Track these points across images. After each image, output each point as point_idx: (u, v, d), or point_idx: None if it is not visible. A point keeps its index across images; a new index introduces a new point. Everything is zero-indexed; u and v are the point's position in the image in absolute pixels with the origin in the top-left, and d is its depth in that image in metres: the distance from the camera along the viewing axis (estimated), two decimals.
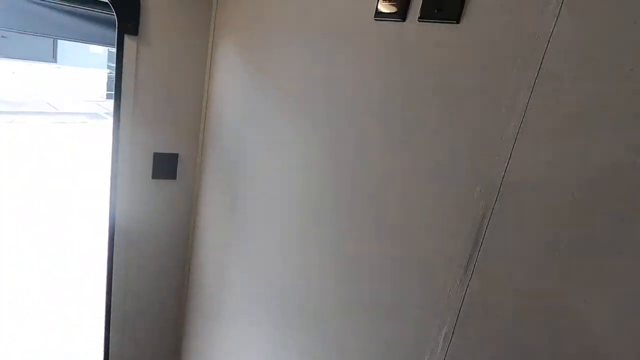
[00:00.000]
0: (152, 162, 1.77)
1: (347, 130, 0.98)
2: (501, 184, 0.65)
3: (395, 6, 0.83)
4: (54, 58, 13.83)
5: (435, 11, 0.75)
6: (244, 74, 1.49)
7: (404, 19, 0.82)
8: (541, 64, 0.60)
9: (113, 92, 1.71)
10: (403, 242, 0.83)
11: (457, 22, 0.72)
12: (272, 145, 1.31)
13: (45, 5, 2.25)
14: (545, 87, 0.60)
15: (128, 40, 1.58)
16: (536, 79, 0.61)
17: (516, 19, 0.64)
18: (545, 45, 0.60)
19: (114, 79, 1.64)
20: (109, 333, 1.93)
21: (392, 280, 0.85)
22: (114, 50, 1.65)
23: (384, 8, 0.87)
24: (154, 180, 1.81)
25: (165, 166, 1.81)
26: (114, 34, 1.63)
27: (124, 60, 1.60)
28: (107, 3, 1.59)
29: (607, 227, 0.53)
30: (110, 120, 1.77)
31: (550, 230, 0.59)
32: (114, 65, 1.66)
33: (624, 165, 0.52)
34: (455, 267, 0.72)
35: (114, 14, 1.55)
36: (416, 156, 0.80)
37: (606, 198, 0.53)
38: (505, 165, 0.65)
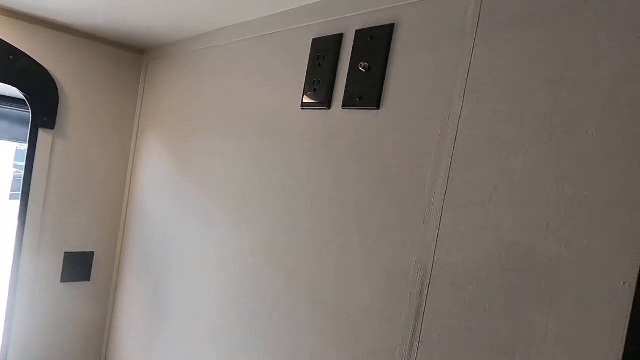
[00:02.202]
0: (62, 263, 1.59)
1: (279, 216, 0.97)
2: (434, 258, 0.67)
3: (319, 97, 0.90)
4: None
5: (357, 99, 0.82)
6: (170, 167, 1.46)
7: (329, 107, 0.89)
8: (455, 142, 0.67)
9: (18, 192, 1.56)
10: (347, 331, 0.80)
11: (378, 109, 0.79)
12: (199, 238, 1.25)
13: None
14: (461, 164, 0.66)
15: (43, 134, 1.50)
16: (452, 156, 0.67)
17: (429, 103, 0.71)
18: (457, 125, 0.67)
19: (23, 176, 1.52)
20: None
21: None
22: (22, 148, 1.54)
23: (308, 99, 0.93)
24: (63, 283, 1.61)
25: (77, 267, 1.63)
26: (21, 129, 1.54)
27: (37, 155, 1.49)
28: (20, 99, 1.53)
29: (525, 295, 0.56)
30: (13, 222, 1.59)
31: (479, 297, 0.61)
32: (22, 164, 1.54)
33: (527, 241, 0.56)
34: (400, 348, 0.70)
35: (29, 109, 1.48)
36: (351, 238, 0.81)
37: (520, 264, 0.57)
38: (436, 236, 0.68)
